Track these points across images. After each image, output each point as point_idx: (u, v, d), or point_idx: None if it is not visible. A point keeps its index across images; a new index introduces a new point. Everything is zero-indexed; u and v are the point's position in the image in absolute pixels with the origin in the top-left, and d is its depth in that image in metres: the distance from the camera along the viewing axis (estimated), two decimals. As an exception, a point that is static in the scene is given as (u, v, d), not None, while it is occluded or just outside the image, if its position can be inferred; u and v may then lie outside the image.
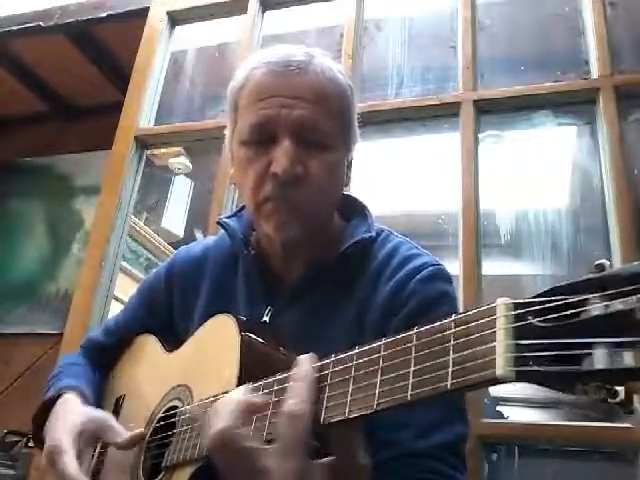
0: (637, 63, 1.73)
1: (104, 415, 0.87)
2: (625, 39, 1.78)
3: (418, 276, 0.84)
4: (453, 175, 1.69)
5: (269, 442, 0.57)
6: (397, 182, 2.29)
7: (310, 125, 0.83)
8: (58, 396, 0.92)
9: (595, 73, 1.70)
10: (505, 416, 1.91)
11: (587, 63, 1.74)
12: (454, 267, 1.56)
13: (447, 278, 0.87)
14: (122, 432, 0.83)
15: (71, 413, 0.87)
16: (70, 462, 0.78)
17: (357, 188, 1.78)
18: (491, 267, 1.72)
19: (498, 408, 2.08)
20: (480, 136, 1.74)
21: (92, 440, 0.84)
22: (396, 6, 2.17)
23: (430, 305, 0.82)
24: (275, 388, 0.63)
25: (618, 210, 1.51)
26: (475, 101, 1.75)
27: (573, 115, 1.79)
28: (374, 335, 0.67)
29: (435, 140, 2.02)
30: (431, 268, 0.85)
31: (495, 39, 1.96)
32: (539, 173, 1.91)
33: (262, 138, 0.84)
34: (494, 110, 1.79)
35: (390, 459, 0.76)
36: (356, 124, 0.93)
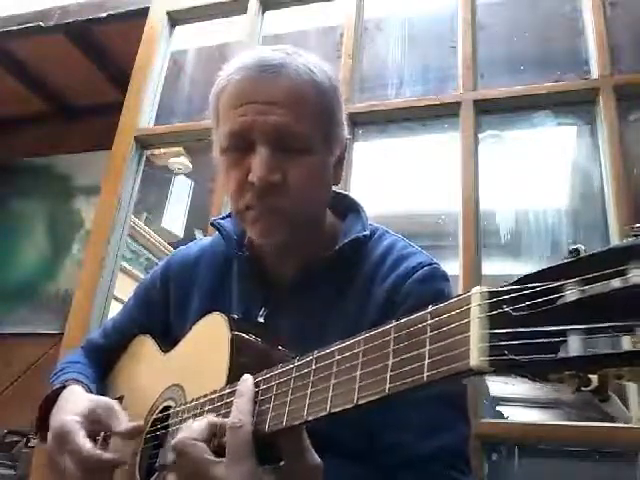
0: (637, 63, 1.72)
1: (110, 401, 0.87)
2: (625, 39, 1.78)
3: (414, 276, 0.83)
4: (453, 175, 1.69)
5: (218, 453, 0.62)
6: (397, 182, 2.29)
7: (286, 131, 0.82)
8: (63, 388, 0.93)
9: (595, 73, 1.70)
10: (505, 416, 1.91)
11: (587, 63, 1.74)
12: (454, 267, 1.56)
13: (443, 277, 0.87)
14: (124, 420, 0.83)
15: (77, 399, 0.88)
16: (84, 440, 0.79)
17: (358, 188, 1.78)
18: (491, 267, 1.71)
19: (498, 408, 2.08)
20: (480, 136, 1.74)
21: (97, 424, 0.84)
22: (396, 6, 2.17)
23: (427, 305, 0.81)
24: (225, 401, 0.67)
25: (618, 210, 1.51)
26: (475, 101, 1.75)
27: (573, 115, 1.78)
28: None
29: (435, 140, 2.02)
30: (427, 268, 0.85)
31: (495, 39, 1.95)
32: (539, 173, 1.91)
33: (240, 146, 0.84)
34: (494, 110, 1.79)
35: (395, 464, 0.76)
36: (343, 122, 0.91)
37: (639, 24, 1.87)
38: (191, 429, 0.63)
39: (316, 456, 0.62)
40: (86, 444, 0.79)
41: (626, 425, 1.38)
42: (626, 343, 0.36)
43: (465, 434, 0.80)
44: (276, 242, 0.86)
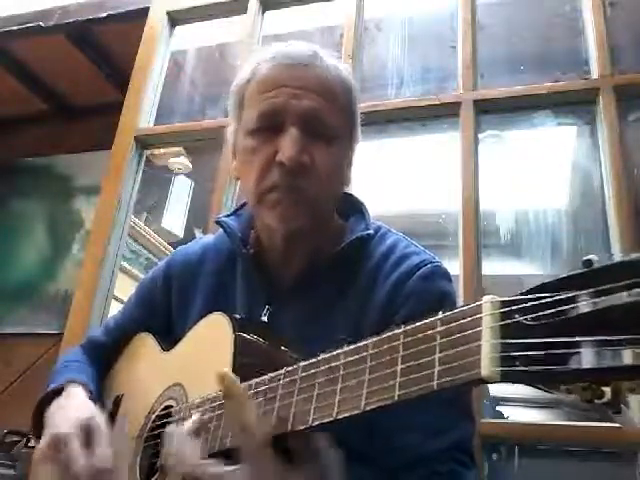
0: (637, 63, 1.73)
1: (100, 421, 0.85)
2: (625, 39, 1.78)
3: (416, 274, 0.83)
4: (453, 175, 1.69)
5: (223, 453, 0.61)
6: (397, 182, 2.29)
7: (318, 116, 0.83)
8: (62, 388, 0.92)
9: (595, 73, 1.70)
10: (505, 416, 1.91)
11: (587, 63, 1.74)
12: (454, 267, 1.56)
13: (446, 276, 0.87)
14: (101, 444, 0.82)
15: (76, 405, 0.87)
16: (78, 450, 0.78)
17: (357, 188, 1.77)
18: (491, 267, 1.72)
19: (498, 408, 2.08)
20: (480, 136, 1.74)
21: (89, 437, 0.83)
22: (396, 6, 2.17)
23: (430, 304, 0.80)
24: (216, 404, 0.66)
25: (618, 210, 1.51)
26: (475, 101, 1.75)
27: (573, 115, 1.79)
28: (376, 330, 0.68)
29: (435, 140, 2.02)
30: (429, 266, 0.85)
31: (495, 39, 1.96)
32: (539, 173, 1.91)
33: (269, 127, 0.84)
34: (494, 110, 1.79)
35: (402, 466, 0.75)
36: (359, 123, 0.94)
37: (639, 24, 1.87)
38: (188, 451, 0.62)
39: (331, 452, 0.60)
40: (80, 453, 0.78)
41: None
42: (639, 356, 0.35)
43: (470, 431, 0.80)
44: (293, 227, 0.85)
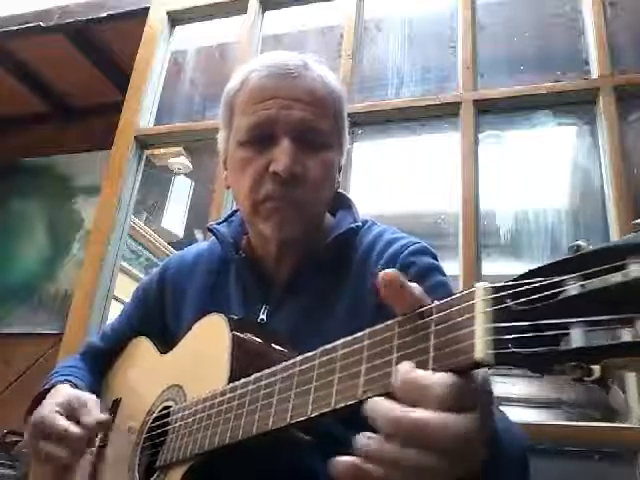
0: (637, 63, 1.72)
1: (87, 395, 0.88)
2: (625, 39, 1.78)
3: (408, 250, 0.86)
4: (453, 175, 1.69)
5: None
6: (397, 182, 2.29)
7: (309, 126, 0.85)
8: (51, 389, 0.93)
9: (595, 73, 1.70)
10: (505, 416, 1.90)
11: (587, 63, 1.74)
12: (454, 267, 1.56)
13: (434, 255, 0.89)
14: (93, 414, 0.84)
15: (57, 394, 0.89)
16: (63, 420, 0.80)
17: (357, 188, 1.78)
18: (491, 267, 1.71)
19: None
20: (480, 136, 1.74)
21: (72, 415, 0.84)
22: (396, 6, 2.17)
23: (426, 274, 0.83)
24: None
25: (618, 210, 1.51)
26: (475, 101, 1.75)
27: (573, 115, 1.78)
28: (373, 316, 0.69)
29: (435, 140, 2.02)
30: (417, 245, 0.87)
31: (495, 39, 1.95)
32: (539, 173, 1.91)
33: (261, 138, 0.86)
34: (494, 110, 1.79)
35: None
36: (347, 128, 0.95)
37: (639, 24, 1.87)
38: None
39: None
40: (65, 423, 0.80)
41: (626, 425, 1.38)
42: (626, 334, 0.37)
43: None
44: (288, 236, 0.86)
